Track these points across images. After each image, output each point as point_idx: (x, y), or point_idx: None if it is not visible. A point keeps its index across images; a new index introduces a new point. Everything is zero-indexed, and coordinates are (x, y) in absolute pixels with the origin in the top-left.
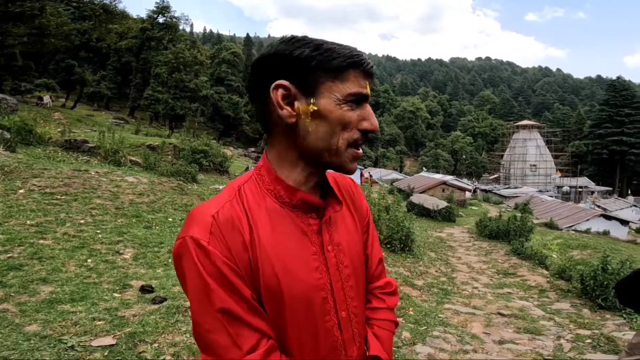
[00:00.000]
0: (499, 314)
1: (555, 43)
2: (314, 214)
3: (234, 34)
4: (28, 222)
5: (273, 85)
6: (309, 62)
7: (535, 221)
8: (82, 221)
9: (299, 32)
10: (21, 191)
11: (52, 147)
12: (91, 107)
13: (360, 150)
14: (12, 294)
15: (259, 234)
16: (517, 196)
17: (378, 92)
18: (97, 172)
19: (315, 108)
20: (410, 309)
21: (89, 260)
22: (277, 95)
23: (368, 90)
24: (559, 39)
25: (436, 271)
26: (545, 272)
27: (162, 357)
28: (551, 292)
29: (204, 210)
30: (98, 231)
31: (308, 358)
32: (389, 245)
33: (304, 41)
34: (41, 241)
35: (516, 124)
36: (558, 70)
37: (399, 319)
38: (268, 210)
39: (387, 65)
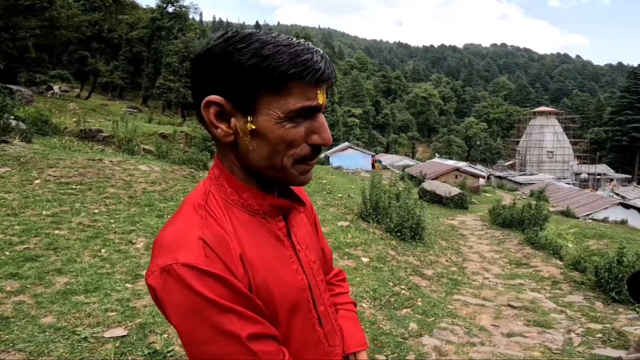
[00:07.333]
0: (509, 305)
1: (576, 30)
2: (281, 216)
3: (244, 22)
4: (44, 212)
5: (204, 102)
6: (246, 73)
7: (552, 209)
8: (96, 211)
9: (307, 19)
10: (37, 181)
11: (68, 137)
12: (105, 96)
13: (312, 163)
14: (28, 285)
15: (243, 248)
16: (532, 183)
17: (390, 79)
18: (110, 161)
19: (254, 127)
20: (419, 299)
21: (103, 250)
22: (209, 113)
23: (319, 100)
24: (579, 25)
25: (446, 260)
26: (560, 262)
27: (171, 348)
28: (564, 284)
29: (183, 234)
30: (112, 221)
31: (299, 359)
32: (398, 234)
33: (243, 43)
34: (57, 231)
35: (533, 110)
36: (577, 57)
37: (407, 310)
38: (240, 222)
39: (399, 51)
